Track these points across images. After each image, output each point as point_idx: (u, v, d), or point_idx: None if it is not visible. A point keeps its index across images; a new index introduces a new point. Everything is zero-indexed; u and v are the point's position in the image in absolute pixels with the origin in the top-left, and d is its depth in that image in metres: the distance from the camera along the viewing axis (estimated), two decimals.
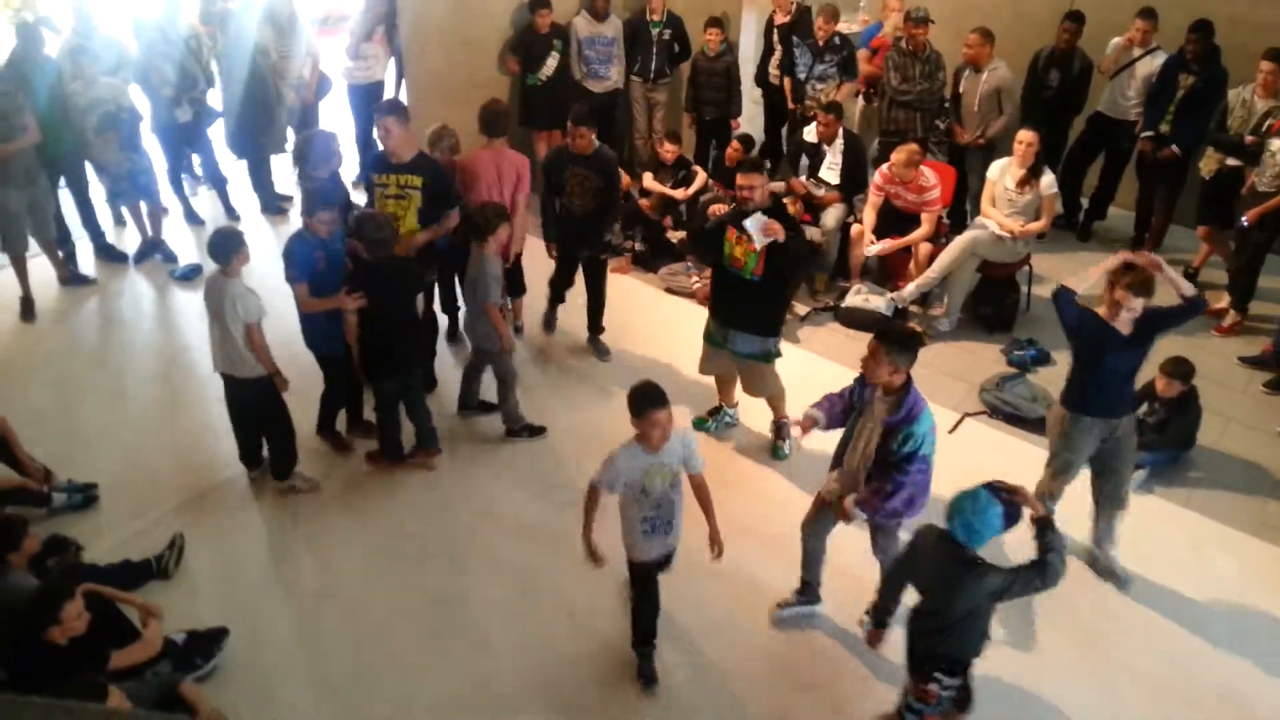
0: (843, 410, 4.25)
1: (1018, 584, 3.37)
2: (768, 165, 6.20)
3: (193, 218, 8.18)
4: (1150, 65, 7.39)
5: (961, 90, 7.61)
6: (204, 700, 3.79)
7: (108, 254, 7.58)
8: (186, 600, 4.63)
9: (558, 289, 6.70)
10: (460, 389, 6.00)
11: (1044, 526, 3.47)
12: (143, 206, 7.55)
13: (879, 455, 4.00)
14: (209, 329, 4.97)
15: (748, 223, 4.92)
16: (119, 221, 8.02)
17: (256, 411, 5.14)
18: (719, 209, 6.07)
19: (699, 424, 5.86)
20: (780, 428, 5.75)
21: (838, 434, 4.33)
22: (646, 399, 3.80)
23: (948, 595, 3.46)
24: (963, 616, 3.47)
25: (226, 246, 4.75)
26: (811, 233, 7.09)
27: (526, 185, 6.06)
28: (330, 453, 5.62)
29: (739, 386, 5.71)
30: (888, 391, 3.97)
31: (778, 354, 5.47)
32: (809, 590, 4.65)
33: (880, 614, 4.22)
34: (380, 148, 5.65)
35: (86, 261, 7.47)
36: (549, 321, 6.89)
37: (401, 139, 5.51)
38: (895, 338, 3.94)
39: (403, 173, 5.55)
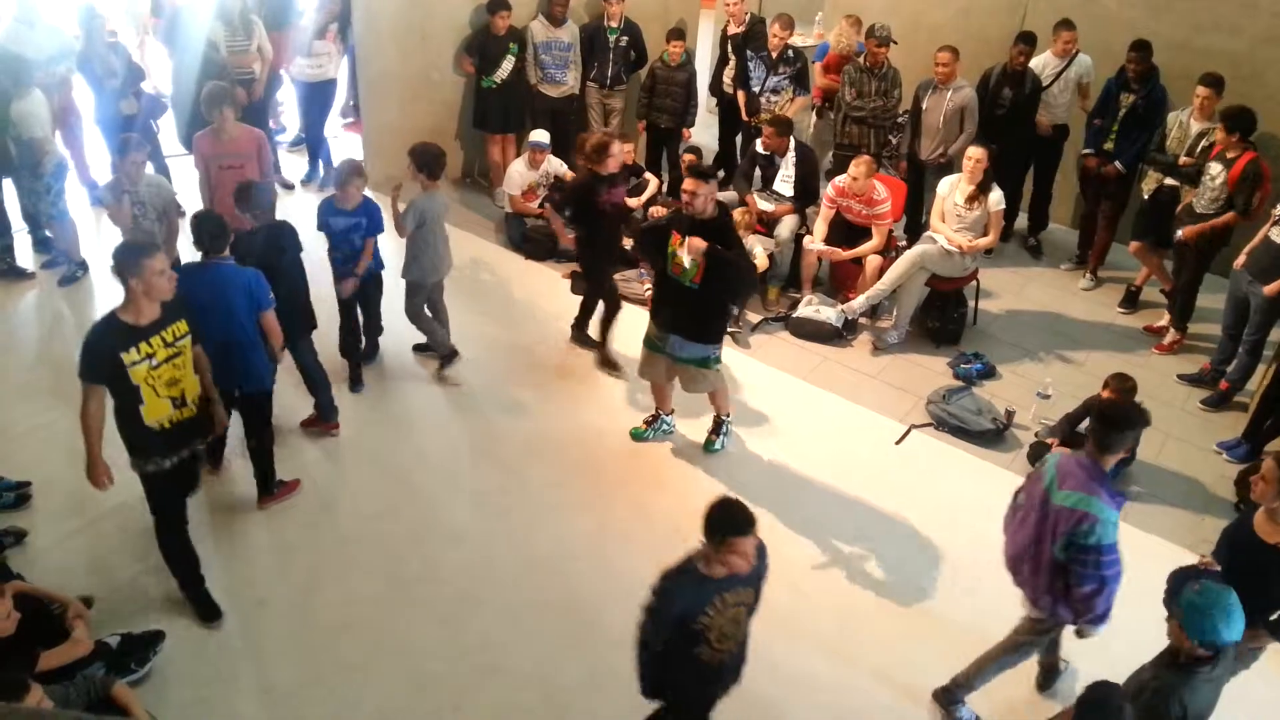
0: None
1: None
2: (719, 176, 6.04)
3: None
4: (1076, 69, 7.70)
5: (925, 107, 7.66)
6: (137, 703, 3.68)
7: (47, 248, 7.36)
8: (123, 603, 4.50)
9: None
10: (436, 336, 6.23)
11: None
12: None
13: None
14: None
15: (681, 252, 5.02)
16: None
17: None
18: (659, 211, 5.99)
19: (637, 434, 5.85)
20: (719, 424, 5.76)
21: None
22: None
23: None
24: None
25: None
26: (766, 243, 7.15)
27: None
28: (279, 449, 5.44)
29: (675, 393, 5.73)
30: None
31: (718, 361, 5.45)
32: None
33: None
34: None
35: (25, 255, 7.25)
36: None
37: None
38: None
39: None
